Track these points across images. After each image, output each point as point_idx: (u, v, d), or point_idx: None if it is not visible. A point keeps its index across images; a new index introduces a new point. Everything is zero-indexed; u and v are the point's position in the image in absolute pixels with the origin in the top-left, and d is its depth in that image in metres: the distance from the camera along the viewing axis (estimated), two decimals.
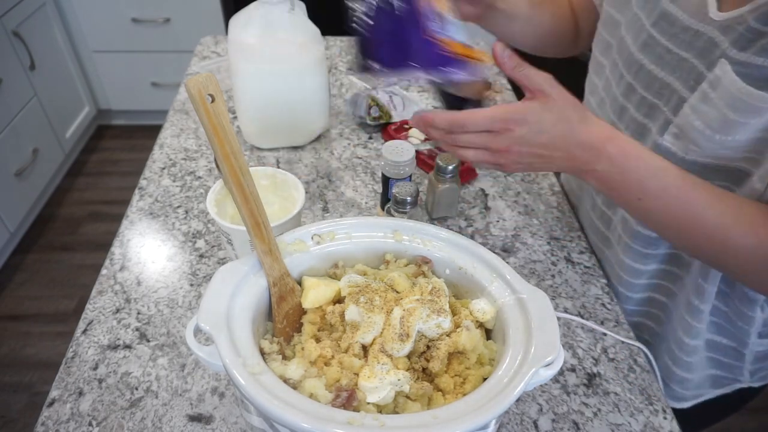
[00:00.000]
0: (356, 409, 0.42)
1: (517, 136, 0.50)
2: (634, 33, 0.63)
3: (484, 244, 0.79)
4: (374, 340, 0.46)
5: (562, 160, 0.53)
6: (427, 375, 0.47)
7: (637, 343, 0.67)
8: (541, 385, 0.61)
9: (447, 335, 0.47)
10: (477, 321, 0.49)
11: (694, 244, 0.55)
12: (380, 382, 0.43)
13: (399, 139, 0.95)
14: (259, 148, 0.98)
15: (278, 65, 0.87)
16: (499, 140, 0.51)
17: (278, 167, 0.91)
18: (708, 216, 0.51)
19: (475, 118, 0.50)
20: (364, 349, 0.47)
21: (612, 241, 0.74)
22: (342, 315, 0.49)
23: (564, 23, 0.80)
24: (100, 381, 0.61)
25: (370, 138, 1.02)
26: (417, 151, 0.88)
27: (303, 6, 0.90)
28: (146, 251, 0.77)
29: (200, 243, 0.79)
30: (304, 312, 0.52)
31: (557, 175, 0.96)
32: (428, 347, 0.47)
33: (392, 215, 0.71)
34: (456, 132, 0.52)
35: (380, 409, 0.43)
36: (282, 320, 0.50)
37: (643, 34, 0.61)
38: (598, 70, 0.73)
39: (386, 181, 0.78)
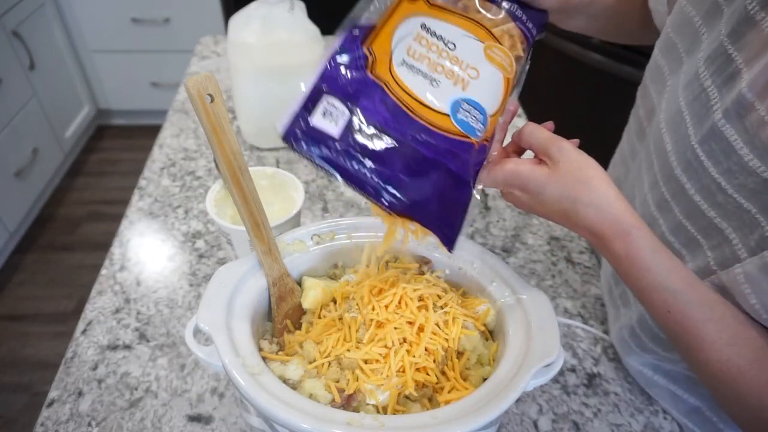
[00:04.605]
0: (356, 410, 0.42)
1: (519, 199, 0.46)
2: (672, 130, 0.49)
3: (484, 244, 0.79)
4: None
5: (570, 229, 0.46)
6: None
7: None
8: (541, 386, 0.61)
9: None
10: (477, 321, 0.49)
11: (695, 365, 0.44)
12: (379, 382, 0.43)
13: None
14: (259, 148, 0.98)
15: (278, 65, 0.87)
16: (506, 195, 0.48)
17: (278, 167, 0.91)
18: (712, 354, 0.41)
19: (493, 171, 0.46)
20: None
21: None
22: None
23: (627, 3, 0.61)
24: (100, 381, 0.61)
25: None
26: None
27: (303, 6, 0.90)
28: (146, 251, 0.77)
29: (200, 243, 0.79)
30: (303, 312, 0.52)
31: None
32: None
33: None
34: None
35: (380, 409, 0.43)
36: (282, 320, 0.50)
37: (686, 149, 0.47)
38: (634, 150, 0.60)
39: None
